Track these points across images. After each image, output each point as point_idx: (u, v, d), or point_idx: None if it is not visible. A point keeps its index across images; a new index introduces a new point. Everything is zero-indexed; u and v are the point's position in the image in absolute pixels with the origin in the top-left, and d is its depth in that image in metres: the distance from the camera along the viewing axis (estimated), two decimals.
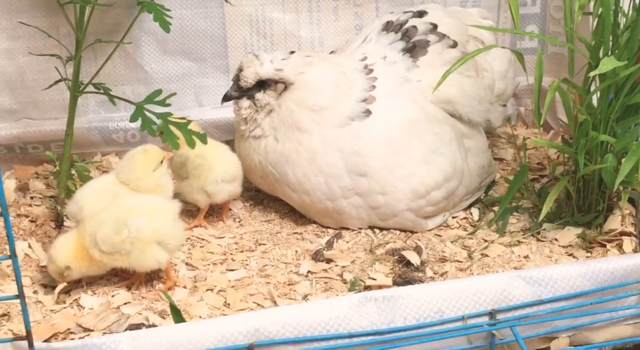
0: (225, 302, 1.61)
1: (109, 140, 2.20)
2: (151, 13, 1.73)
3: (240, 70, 1.84)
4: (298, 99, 1.82)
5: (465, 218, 1.94)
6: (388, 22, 2.02)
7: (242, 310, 1.58)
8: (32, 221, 1.89)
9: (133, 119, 1.75)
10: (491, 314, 1.42)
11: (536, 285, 1.45)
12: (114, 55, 1.95)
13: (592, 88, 1.77)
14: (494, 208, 1.96)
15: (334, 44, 2.30)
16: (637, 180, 1.65)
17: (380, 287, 1.62)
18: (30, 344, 1.25)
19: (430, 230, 1.87)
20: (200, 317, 1.55)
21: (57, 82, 1.90)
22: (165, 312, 1.56)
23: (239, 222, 1.92)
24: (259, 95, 1.83)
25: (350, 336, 1.38)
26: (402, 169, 1.79)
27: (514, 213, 1.92)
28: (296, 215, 1.93)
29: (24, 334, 1.26)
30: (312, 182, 1.81)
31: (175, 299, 1.60)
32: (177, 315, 1.46)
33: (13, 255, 1.20)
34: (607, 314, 1.48)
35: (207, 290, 1.65)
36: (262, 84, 1.83)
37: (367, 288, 1.64)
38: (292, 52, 1.86)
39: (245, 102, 1.85)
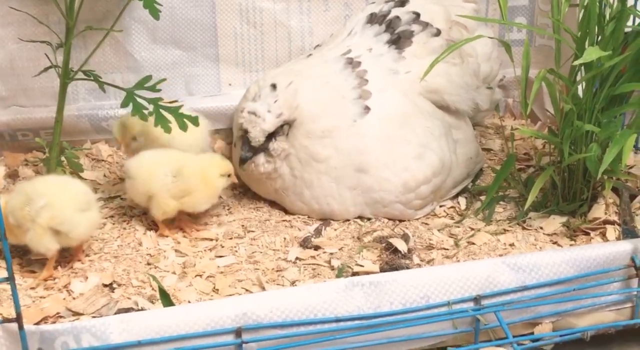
0: (214, 287, 1.62)
1: (99, 128, 2.20)
2: (141, 0, 1.74)
3: (245, 131, 1.79)
4: (306, 133, 1.80)
5: (452, 207, 1.96)
6: (372, 14, 2.02)
7: (230, 295, 1.59)
8: None
9: (124, 104, 1.76)
10: (476, 299, 1.45)
11: (520, 271, 1.47)
12: (104, 43, 1.96)
13: (578, 78, 1.80)
14: (481, 197, 1.98)
15: (324, 33, 2.31)
16: (620, 169, 1.67)
17: (367, 273, 1.64)
18: (21, 327, 1.26)
19: (418, 218, 1.89)
20: (189, 302, 1.56)
21: (46, 68, 1.90)
22: (154, 296, 1.57)
23: (228, 209, 1.93)
24: (272, 146, 1.80)
25: (337, 320, 1.40)
26: (396, 163, 1.81)
27: (501, 202, 1.95)
28: None
29: (14, 316, 1.27)
30: (325, 189, 1.82)
31: (164, 284, 1.61)
32: (166, 300, 1.47)
33: (3, 238, 1.21)
34: (590, 300, 1.51)
35: (196, 276, 1.66)
36: (271, 135, 1.80)
37: (355, 274, 1.66)
38: (274, 86, 1.81)
39: (261, 159, 1.82)
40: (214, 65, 2.30)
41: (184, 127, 1.78)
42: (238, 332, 1.36)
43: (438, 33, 1.96)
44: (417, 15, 1.98)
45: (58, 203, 1.59)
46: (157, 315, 1.35)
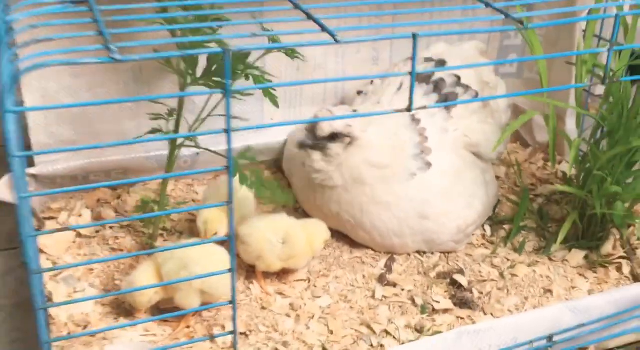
0: (329, 329, 1.96)
1: (164, 167, 2.41)
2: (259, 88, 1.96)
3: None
4: (362, 155, 2.13)
5: (482, 234, 2.37)
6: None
7: (345, 337, 1.93)
8: None
9: (234, 174, 2.00)
10: (550, 337, 1.88)
11: (579, 313, 1.92)
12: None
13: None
14: (503, 226, 2.40)
15: (354, 73, 2.62)
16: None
17: (446, 310, 2.04)
18: None
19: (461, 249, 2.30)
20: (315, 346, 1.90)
21: (154, 131, 2.06)
22: (287, 343, 1.88)
23: None
24: (331, 145, 2.12)
25: None
26: (452, 213, 2.20)
27: (522, 232, 2.38)
28: (348, 239, 2.28)
29: None
30: (387, 225, 2.16)
31: (286, 327, 1.94)
32: None
33: (235, 311, 1.49)
34: (622, 328, 1.98)
35: (308, 318, 1.98)
36: (334, 137, 2.12)
37: (435, 311, 2.04)
38: (355, 111, 2.16)
39: (316, 155, 2.13)
40: (259, 103, 2.56)
41: (283, 200, 2.05)
42: None
43: (476, 95, 2.33)
44: (458, 78, 2.33)
45: (209, 269, 1.85)
46: None
